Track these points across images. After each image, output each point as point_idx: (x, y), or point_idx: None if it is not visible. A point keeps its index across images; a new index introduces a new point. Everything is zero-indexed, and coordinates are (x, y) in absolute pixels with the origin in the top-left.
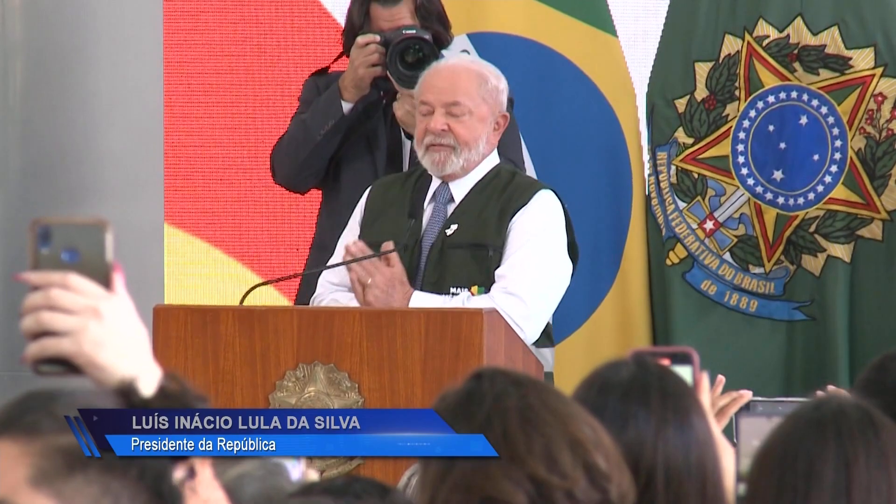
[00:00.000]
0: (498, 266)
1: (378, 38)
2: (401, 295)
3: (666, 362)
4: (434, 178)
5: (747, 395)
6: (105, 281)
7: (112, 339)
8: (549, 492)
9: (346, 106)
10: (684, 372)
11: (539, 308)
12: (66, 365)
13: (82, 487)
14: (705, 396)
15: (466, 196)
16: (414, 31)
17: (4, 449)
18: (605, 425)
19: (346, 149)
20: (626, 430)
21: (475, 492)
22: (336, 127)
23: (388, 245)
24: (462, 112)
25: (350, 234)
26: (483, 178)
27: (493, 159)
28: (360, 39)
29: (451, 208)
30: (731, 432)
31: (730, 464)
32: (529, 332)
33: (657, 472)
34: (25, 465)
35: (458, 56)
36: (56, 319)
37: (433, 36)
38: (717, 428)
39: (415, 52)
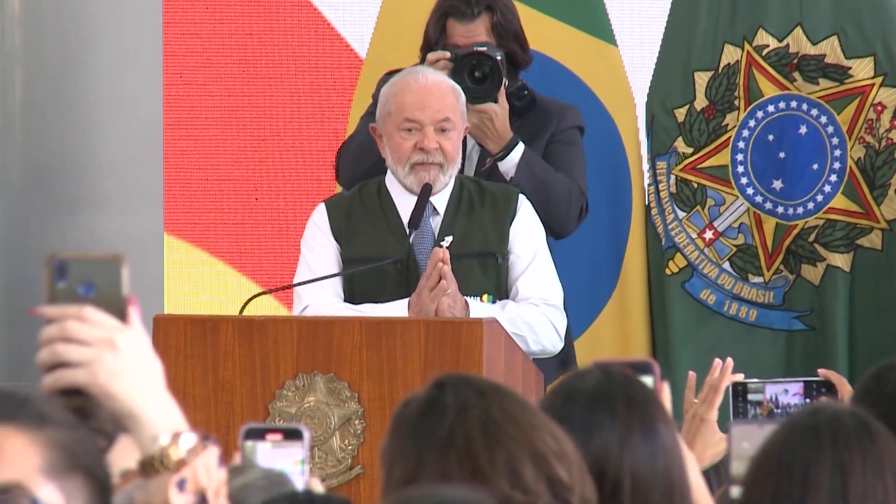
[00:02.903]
0: (507, 273)
1: (448, 54)
2: (460, 305)
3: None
4: (399, 191)
5: (738, 376)
6: (121, 314)
7: (127, 370)
8: None
9: None
10: (645, 382)
11: (565, 316)
12: (81, 395)
13: (81, 486)
14: (667, 406)
15: (447, 208)
16: (485, 49)
17: (12, 437)
18: (570, 434)
19: None
20: (592, 438)
21: None
22: None
23: (439, 252)
24: (450, 128)
25: (326, 254)
26: (454, 190)
27: None
28: (431, 56)
29: (435, 221)
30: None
31: (693, 473)
32: (563, 340)
33: (623, 480)
34: (37, 455)
35: (422, 70)
36: (71, 351)
37: (508, 55)
38: (681, 438)
39: (482, 69)
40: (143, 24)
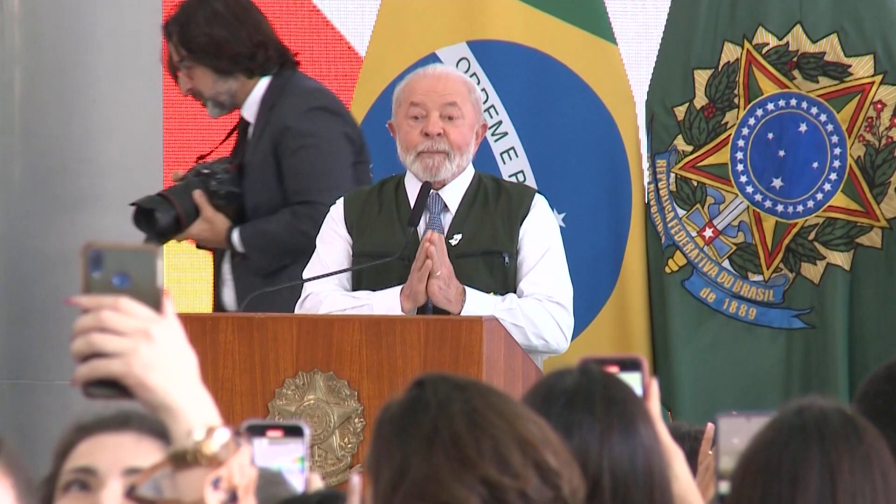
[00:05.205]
0: (514, 272)
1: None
2: (455, 291)
3: (615, 369)
4: (415, 187)
5: None
6: (155, 305)
7: (162, 361)
8: (502, 493)
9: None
10: (633, 379)
11: (572, 317)
12: (116, 387)
13: None
14: (655, 403)
15: (460, 205)
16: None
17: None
18: None
19: None
20: (571, 437)
21: (429, 499)
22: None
23: (429, 234)
24: (457, 115)
25: (336, 246)
26: (469, 187)
27: (472, 167)
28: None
29: (446, 218)
30: None
31: (681, 468)
32: (569, 340)
33: (603, 479)
34: None
35: (435, 63)
36: (107, 341)
37: (213, 68)
38: (665, 433)
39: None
40: (143, 25)
